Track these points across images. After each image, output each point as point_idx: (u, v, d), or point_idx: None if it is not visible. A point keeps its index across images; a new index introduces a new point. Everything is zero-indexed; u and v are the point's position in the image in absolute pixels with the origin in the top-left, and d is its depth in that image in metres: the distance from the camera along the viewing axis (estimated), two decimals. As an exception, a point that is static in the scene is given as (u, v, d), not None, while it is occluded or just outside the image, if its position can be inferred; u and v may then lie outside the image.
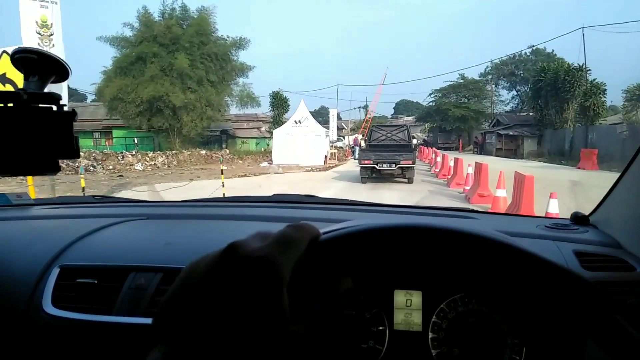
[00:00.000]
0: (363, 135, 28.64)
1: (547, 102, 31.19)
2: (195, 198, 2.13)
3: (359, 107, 58.28)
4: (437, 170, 17.45)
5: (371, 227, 0.64)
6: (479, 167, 10.22)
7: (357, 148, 24.07)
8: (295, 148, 26.31)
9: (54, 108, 0.65)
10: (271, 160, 27.33)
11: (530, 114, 37.22)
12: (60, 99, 0.67)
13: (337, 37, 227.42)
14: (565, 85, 28.80)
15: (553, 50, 46.63)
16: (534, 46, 49.82)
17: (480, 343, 0.81)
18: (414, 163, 13.77)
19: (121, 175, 19.48)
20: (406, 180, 14.07)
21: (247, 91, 33.20)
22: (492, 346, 0.79)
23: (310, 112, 28.52)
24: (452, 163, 14.68)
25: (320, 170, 22.38)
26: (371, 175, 14.40)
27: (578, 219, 1.40)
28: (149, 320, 0.88)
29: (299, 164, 25.43)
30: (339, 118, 56.96)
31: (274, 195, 2.04)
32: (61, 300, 1.11)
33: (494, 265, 0.66)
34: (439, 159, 18.05)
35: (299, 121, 27.83)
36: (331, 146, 33.27)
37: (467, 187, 11.34)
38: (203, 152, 29.62)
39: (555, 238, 1.22)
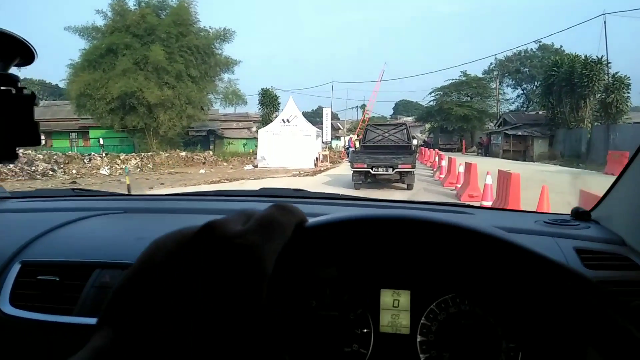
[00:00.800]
0: (358, 136, 26.21)
1: (560, 99, 28.27)
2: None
3: (357, 107, 55.59)
4: (442, 176, 14.74)
5: (364, 216, 0.60)
6: (506, 178, 7.52)
7: (352, 149, 22.01)
8: (283, 149, 23.93)
9: (13, 91, 0.61)
10: (256, 162, 24.82)
11: (540, 112, 34.53)
12: (19, 80, 0.61)
13: (333, 35, 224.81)
14: (582, 80, 25.81)
15: (562, 46, 43.97)
16: (541, 40, 47.14)
17: (472, 347, 0.77)
18: (414, 167, 12.22)
19: (74, 182, 16.82)
20: (405, 187, 12.52)
21: (232, 88, 30.54)
22: (485, 350, 0.76)
23: (307, 113, 26.27)
24: (461, 169, 11.97)
25: (308, 175, 20.02)
26: (365, 180, 12.77)
27: (579, 215, 1.34)
28: None
29: (286, 166, 23.27)
30: (336, 118, 54.82)
31: (261, 189, 2.00)
32: (21, 298, 1.06)
33: (488, 263, 0.61)
34: (444, 163, 15.35)
35: (287, 120, 25.32)
36: (324, 147, 31.02)
37: (486, 203, 8.64)
38: (183, 153, 27.04)
39: (554, 234, 1.17)
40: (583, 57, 26.55)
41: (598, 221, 1.30)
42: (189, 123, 28.56)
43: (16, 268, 1.10)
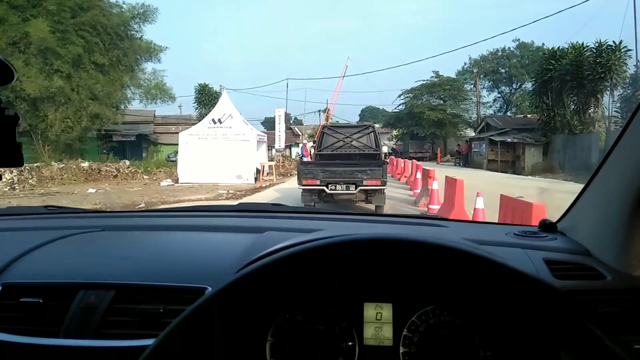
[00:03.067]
0: (314, 142, 20.64)
1: (560, 97, 23.04)
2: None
3: (319, 111, 49.55)
4: (434, 207, 9.03)
5: (317, 245, 0.65)
6: None
7: (306, 159, 16.58)
8: (212, 159, 17.92)
9: None
10: (177, 176, 18.81)
11: (529, 116, 29.62)
12: (1, 102, 0.63)
13: (294, 41, 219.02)
14: (596, 72, 20.60)
15: (544, 44, 39.33)
16: (519, 38, 42.45)
17: (452, 356, 0.81)
18: (384, 184, 9.14)
19: None
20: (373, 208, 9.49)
21: (156, 81, 24.19)
22: (464, 359, 0.80)
23: (270, 119, 20.28)
24: (480, 204, 6.24)
25: (242, 195, 14.70)
26: (319, 202, 9.66)
27: (546, 227, 1.37)
28: (99, 343, 0.95)
29: (217, 182, 17.35)
30: (300, 123, 49.14)
31: (239, 204, 2.16)
32: (3, 321, 1.04)
33: (463, 275, 0.66)
34: (435, 186, 9.58)
35: (219, 120, 19.32)
36: (277, 155, 25.28)
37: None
38: (85, 164, 20.57)
39: (524, 246, 1.21)
40: (594, 44, 21.30)
41: (564, 232, 1.32)
42: (90, 124, 21.91)
43: None
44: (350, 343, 0.83)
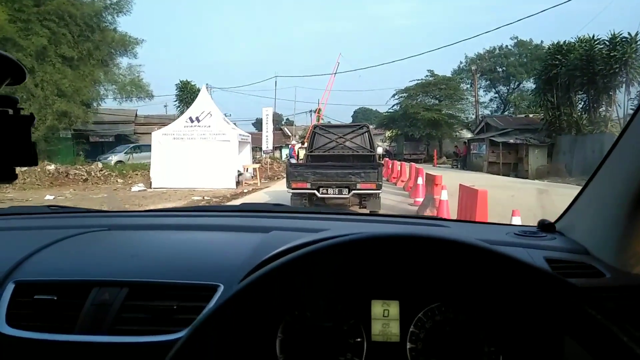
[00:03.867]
0: (303, 144, 19.04)
1: (568, 95, 21.48)
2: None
3: (310, 111, 47.76)
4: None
5: (333, 243, 0.65)
6: None
7: (294, 161, 15.02)
8: (188, 161, 16.12)
9: (10, 112, 0.63)
10: (151, 181, 17.04)
11: (531, 116, 28.03)
12: (17, 102, 0.63)
13: (288, 43, 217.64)
14: (610, 66, 18.97)
15: (542, 42, 37.89)
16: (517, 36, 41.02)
17: (457, 352, 0.83)
18: (380, 188, 8.45)
19: None
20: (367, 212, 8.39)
21: (132, 77, 22.32)
22: (469, 355, 0.83)
23: (259, 120, 18.61)
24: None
25: (219, 202, 12.88)
26: (310, 206, 8.69)
27: (545, 227, 1.36)
28: (113, 339, 0.98)
29: (194, 186, 15.83)
30: (290, 124, 47.61)
31: (242, 204, 2.75)
32: (17, 318, 1.05)
33: (472, 271, 0.67)
34: (444, 195, 7.82)
35: (197, 118, 17.51)
36: (264, 157, 24.12)
37: None
38: (52, 167, 18.70)
39: (525, 245, 1.21)
40: (607, 36, 19.59)
41: (562, 232, 1.32)
42: (59, 123, 20.00)
43: (10, 288, 1.08)
44: (358, 339, 0.86)
